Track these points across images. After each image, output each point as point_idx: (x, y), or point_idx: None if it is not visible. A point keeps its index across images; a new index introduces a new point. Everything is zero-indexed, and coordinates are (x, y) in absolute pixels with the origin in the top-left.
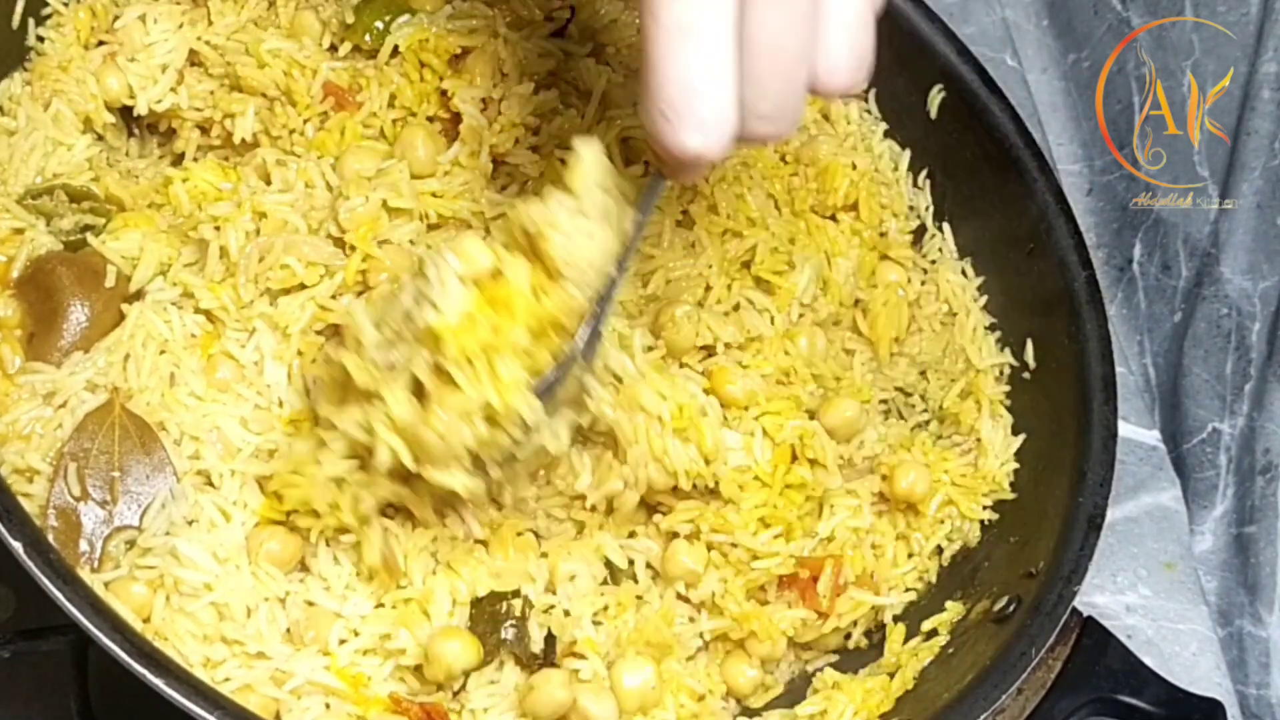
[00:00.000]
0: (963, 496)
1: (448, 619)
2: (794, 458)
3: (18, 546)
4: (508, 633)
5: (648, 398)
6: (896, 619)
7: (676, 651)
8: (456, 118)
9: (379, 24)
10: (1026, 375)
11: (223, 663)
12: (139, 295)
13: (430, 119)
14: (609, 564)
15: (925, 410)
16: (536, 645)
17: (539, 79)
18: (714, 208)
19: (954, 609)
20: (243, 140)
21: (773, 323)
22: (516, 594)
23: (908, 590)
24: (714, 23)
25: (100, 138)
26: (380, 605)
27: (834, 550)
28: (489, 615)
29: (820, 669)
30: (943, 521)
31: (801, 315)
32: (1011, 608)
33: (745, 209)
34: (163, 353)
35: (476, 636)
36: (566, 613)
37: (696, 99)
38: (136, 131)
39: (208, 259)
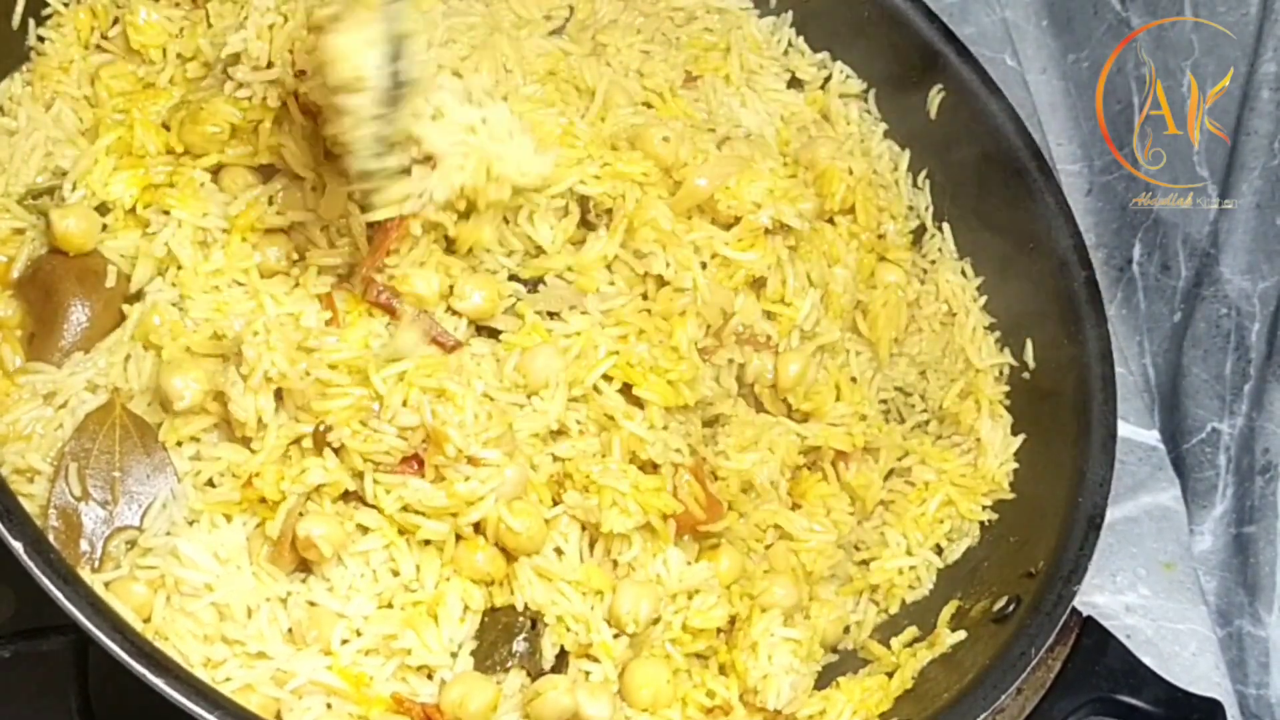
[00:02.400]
0: (962, 496)
1: (457, 625)
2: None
3: (18, 546)
4: (520, 645)
5: None
6: (895, 617)
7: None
8: None
9: None
10: (1026, 375)
11: (223, 663)
12: (139, 295)
13: None
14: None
15: (925, 410)
16: (548, 663)
17: (537, 78)
18: (714, 220)
19: (953, 608)
20: None
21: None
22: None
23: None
24: None
25: None
26: (387, 606)
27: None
28: (503, 625)
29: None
30: (942, 521)
31: (803, 340)
32: (1011, 607)
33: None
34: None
35: (486, 645)
36: (588, 625)
37: None
38: None
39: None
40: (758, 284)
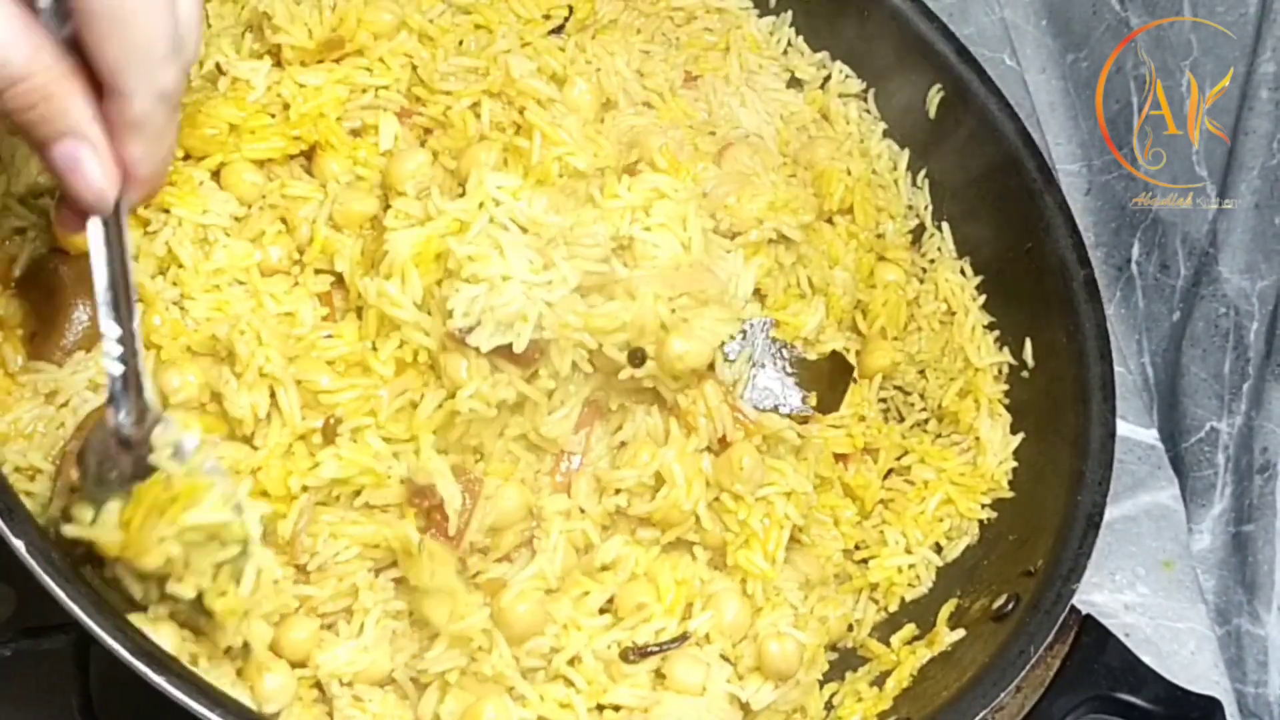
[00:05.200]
0: (961, 495)
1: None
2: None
3: (19, 545)
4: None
5: None
6: (894, 615)
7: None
8: None
9: None
10: (1025, 374)
11: None
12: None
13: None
14: None
15: (924, 409)
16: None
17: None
18: (715, 230)
19: (952, 607)
20: None
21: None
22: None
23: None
24: None
25: None
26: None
27: None
28: None
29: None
30: (942, 520)
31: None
32: (1010, 606)
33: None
34: None
35: None
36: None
37: None
38: None
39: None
40: (759, 293)
